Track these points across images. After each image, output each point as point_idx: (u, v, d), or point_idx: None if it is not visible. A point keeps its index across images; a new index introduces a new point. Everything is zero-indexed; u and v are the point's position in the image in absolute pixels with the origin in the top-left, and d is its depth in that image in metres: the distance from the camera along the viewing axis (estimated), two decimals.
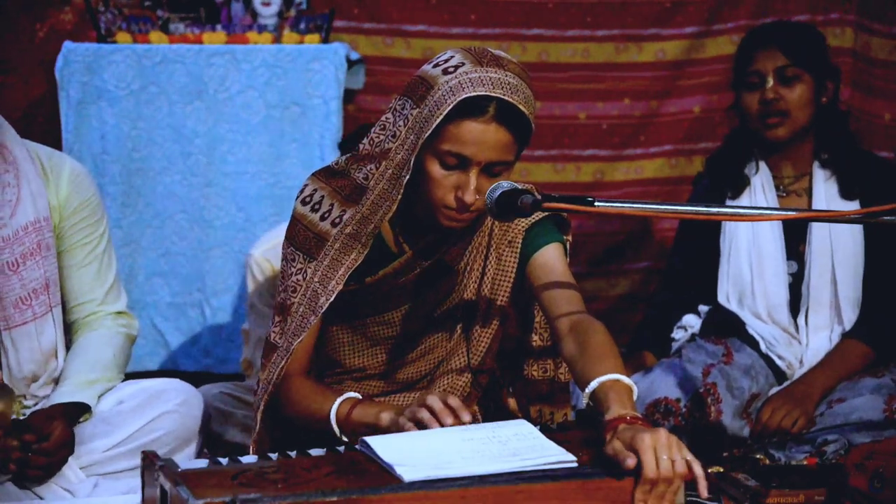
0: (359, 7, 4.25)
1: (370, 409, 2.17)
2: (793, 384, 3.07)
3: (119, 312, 2.77)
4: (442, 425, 1.99)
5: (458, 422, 2.00)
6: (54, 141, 3.73)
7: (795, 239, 3.16)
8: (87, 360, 2.66)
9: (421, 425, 2.01)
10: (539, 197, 2.07)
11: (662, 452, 1.80)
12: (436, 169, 2.16)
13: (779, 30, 3.19)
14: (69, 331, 2.74)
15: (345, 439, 2.19)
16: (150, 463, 1.89)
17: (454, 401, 2.03)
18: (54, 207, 2.65)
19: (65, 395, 2.57)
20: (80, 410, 2.57)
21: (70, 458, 2.53)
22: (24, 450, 2.45)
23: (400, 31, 4.28)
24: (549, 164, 4.40)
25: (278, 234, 3.28)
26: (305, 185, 2.35)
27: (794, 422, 2.97)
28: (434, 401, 2.02)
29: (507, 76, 2.13)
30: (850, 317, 3.13)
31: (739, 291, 3.18)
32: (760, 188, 3.18)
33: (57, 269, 2.66)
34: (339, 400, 2.20)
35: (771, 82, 3.08)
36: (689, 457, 1.83)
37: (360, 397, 2.21)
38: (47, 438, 2.46)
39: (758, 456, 2.91)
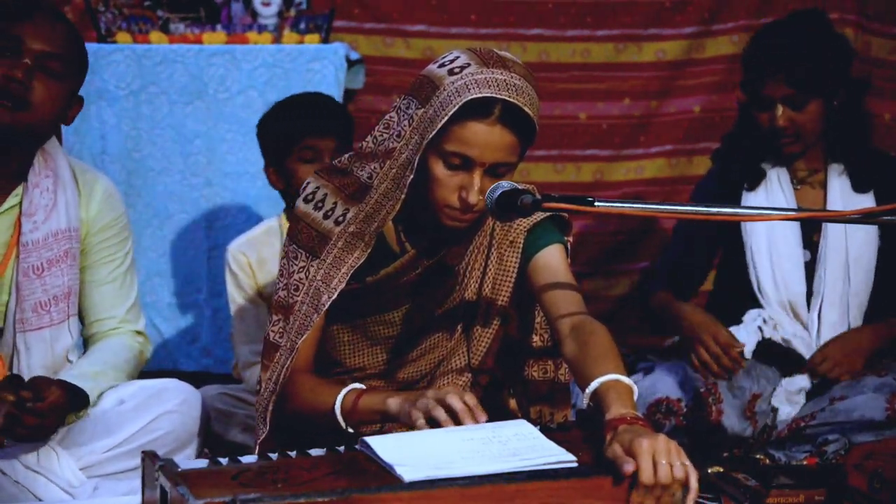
0: (359, 7, 4.25)
1: (376, 396, 2.18)
2: (845, 335, 3.09)
3: (137, 332, 2.78)
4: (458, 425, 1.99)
5: (475, 422, 2.00)
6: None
7: (809, 229, 3.16)
8: (99, 357, 2.67)
9: (434, 423, 2.01)
10: (539, 197, 2.08)
11: (661, 458, 1.80)
12: (440, 169, 2.16)
13: (785, 56, 3.03)
14: (86, 344, 2.73)
15: (350, 430, 2.20)
16: (150, 463, 1.89)
17: (471, 399, 2.03)
18: (83, 221, 2.66)
19: (70, 377, 2.56)
20: (79, 398, 2.56)
21: (70, 459, 2.53)
22: (18, 406, 2.42)
23: (400, 31, 4.28)
24: (549, 164, 4.40)
25: (254, 231, 3.34)
26: (308, 183, 2.35)
27: (840, 375, 3.05)
28: (454, 401, 2.01)
29: (512, 78, 2.13)
30: (855, 313, 3.13)
31: (762, 285, 3.18)
32: (776, 180, 3.18)
33: (79, 280, 2.66)
34: (343, 391, 2.20)
35: (780, 110, 3.04)
36: (688, 464, 1.82)
37: (364, 387, 2.22)
38: (41, 399, 2.43)
39: (758, 456, 2.91)
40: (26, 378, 2.56)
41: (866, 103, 3.22)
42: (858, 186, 3.14)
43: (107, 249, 2.71)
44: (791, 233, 3.15)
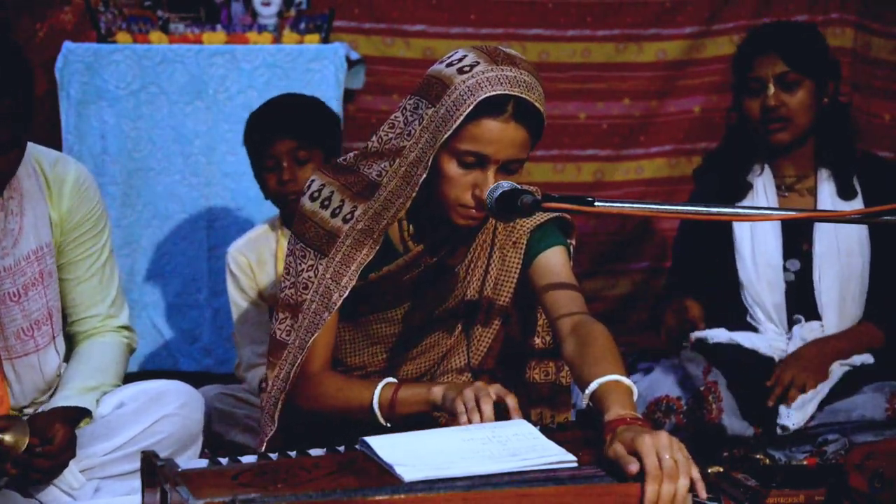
0: (359, 7, 4.26)
1: (418, 387, 2.23)
2: (807, 346, 3.06)
3: (122, 326, 2.75)
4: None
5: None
6: (54, 141, 3.73)
7: (798, 238, 3.15)
8: (88, 366, 2.64)
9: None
10: (539, 197, 2.08)
11: (664, 453, 1.80)
12: (453, 168, 2.17)
13: (778, 34, 3.14)
14: (70, 342, 2.70)
15: (386, 425, 2.22)
16: (150, 463, 1.89)
17: (512, 401, 2.08)
18: (55, 223, 2.59)
19: (66, 399, 2.55)
20: (80, 414, 2.56)
21: (71, 462, 2.52)
22: (27, 452, 2.42)
23: (400, 31, 4.29)
24: (549, 164, 4.40)
25: (253, 232, 3.37)
26: (312, 181, 2.35)
27: (804, 384, 2.98)
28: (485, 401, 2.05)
29: (522, 74, 2.14)
30: (854, 314, 3.13)
31: (749, 291, 3.17)
32: (762, 190, 3.18)
33: (59, 297, 2.62)
34: (380, 385, 2.23)
35: (772, 89, 3.07)
36: (690, 458, 1.82)
37: (397, 381, 2.25)
38: (50, 441, 2.44)
39: (758, 456, 2.91)
40: (19, 400, 2.56)
41: (853, 111, 3.25)
42: (844, 192, 3.13)
43: (83, 245, 2.65)
44: (772, 243, 3.15)
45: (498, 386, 2.11)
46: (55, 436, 2.44)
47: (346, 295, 2.26)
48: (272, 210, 3.75)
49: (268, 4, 3.94)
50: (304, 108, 3.27)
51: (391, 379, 2.25)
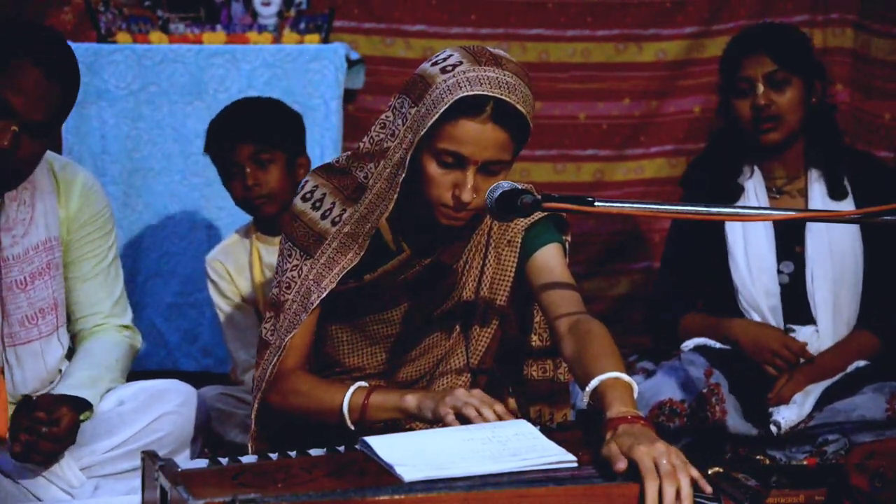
0: (359, 7, 4.26)
1: (390, 393, 2.19)
2: (803, 366, 3.07)
3: (124, 326, 2.77)
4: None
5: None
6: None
7: (791, 240, 3.15)
8: (91, 360, 2.65)
9: (463, 419, 2.04)
10: (539, 197, 2.08)
11: (661, 458, 1.79)
12: (433, 167, 2.16)
13: (765, 34, 3.16)
14: (73, 341, 2.72)
15: (352, 429, 2.20)
16: (150, 463, 1.89)
17: (500, 407, 2.06)
18: (62, 220, 2.62)
19: (69, 388, 2.56)
20: (82, 406, 2.56)
21: (70, 460, 2.53)
22: (33, 431, 2.42)
23: (400, 31, 4.29)
24: (549, 164, 4.40)
25: (228, 239, 3.39)
26: (306, 182, 2.35)
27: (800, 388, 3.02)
28: (487, 411, 2.04)
29: (504, 75, 2.13)
30: (849, 315, 3.13)
31: (745, 295, 3.17)
32: (753, 193, 3.18)
33: (65, 288, 2.64)
34: (351, 389, 2.21)
35: (762, 89, 3.08)
36: (688, 462, 1.81)
37: (369, 385, 2.23)
38: (56, 423, 2.43)
39: (758, 456, 2.91)
40: (20, 389, 2.57)
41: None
42: (835, 192, 3.13)
43: (89, 245, 2.68)
44: (765, 246, 3.15)
45: (479, 393, 2.10)
46: (62, 419, 2.44)
47: (323, 296, 2.25)
48: None
49: (268, 4, 3.94)
50: (261, 111, 3.27)
51: (362, 383, 2.24)
